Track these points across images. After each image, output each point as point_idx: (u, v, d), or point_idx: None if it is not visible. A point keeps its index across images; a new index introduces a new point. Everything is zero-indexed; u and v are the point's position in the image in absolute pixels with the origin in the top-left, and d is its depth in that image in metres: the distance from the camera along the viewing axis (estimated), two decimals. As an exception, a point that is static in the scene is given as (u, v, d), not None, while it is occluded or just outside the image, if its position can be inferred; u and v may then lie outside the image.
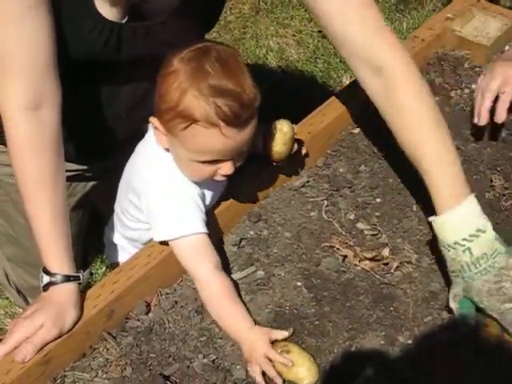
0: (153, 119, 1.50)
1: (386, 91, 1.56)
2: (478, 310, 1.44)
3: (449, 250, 1.45)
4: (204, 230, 1.51)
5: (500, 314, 1.41)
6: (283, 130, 1.60)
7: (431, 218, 1.49)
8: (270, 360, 1.39)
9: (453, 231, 1.45)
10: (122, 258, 1.79)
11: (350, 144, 1.88)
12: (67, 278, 1.45)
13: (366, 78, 1.59)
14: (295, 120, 1.79)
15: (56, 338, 1.40)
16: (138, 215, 1.64)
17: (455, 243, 1.44)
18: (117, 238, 1.83)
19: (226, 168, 1.48)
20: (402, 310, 1.50)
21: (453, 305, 1.47)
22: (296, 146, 1.66)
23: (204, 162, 1.46)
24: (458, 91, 1.99)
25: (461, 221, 1.45)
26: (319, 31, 3.64)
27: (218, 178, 1.50)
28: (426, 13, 3.71)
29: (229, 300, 1.47)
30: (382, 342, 1.45)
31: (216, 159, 1.45)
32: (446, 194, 1.48)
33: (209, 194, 1.61)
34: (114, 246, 1.85)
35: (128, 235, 1.77)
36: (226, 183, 1.66)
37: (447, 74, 2.03)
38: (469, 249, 1.42)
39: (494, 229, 1.55)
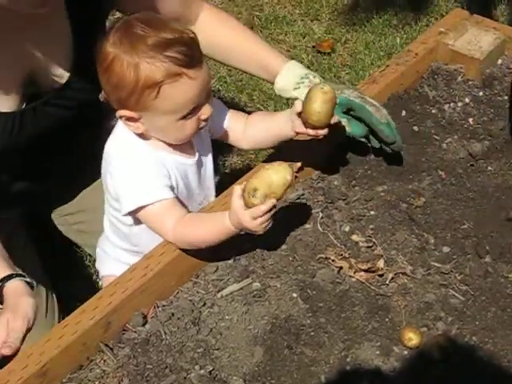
0: (120, 112, 1.52)
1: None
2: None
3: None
4: (167, 195, 1.55)
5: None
6: (324, 88, 1.56)
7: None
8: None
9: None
10: (116, 269, 1.78)
11: (344, 157, 1.89)
12: (9, 277, 1.51)
13: None
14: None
15: (29, 329, 1.46)
16: (117, 205, 1.64)
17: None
18: (110, 248, 1.84)
19: (206, 111, 1.54)
20: (397, 320, 1.51)
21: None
22: (336, 118, 1.63)
23: (186, 116, 1.51)
24: (452, 104, 2.00)
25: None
26: (313, 46, 3.66)
27: (202, 124, 1.57)
28: (419, 28, 3.72)
29: (198, 228, 1.55)
30: (378, 352, 1.46)
31: (195, 106, 1.51)
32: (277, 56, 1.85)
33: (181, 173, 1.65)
34: (107, 256, 1.85)
35: (119, 238, 1.77)
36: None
37: (441, 87, 2.04)
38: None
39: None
